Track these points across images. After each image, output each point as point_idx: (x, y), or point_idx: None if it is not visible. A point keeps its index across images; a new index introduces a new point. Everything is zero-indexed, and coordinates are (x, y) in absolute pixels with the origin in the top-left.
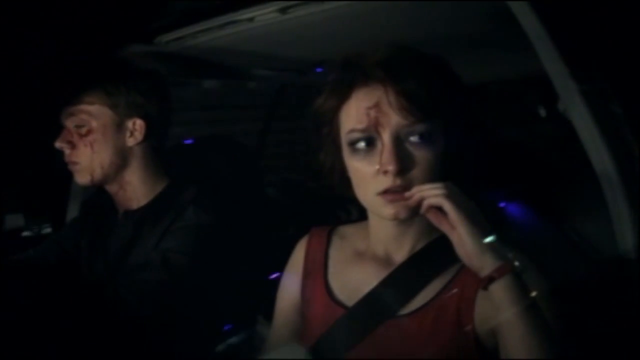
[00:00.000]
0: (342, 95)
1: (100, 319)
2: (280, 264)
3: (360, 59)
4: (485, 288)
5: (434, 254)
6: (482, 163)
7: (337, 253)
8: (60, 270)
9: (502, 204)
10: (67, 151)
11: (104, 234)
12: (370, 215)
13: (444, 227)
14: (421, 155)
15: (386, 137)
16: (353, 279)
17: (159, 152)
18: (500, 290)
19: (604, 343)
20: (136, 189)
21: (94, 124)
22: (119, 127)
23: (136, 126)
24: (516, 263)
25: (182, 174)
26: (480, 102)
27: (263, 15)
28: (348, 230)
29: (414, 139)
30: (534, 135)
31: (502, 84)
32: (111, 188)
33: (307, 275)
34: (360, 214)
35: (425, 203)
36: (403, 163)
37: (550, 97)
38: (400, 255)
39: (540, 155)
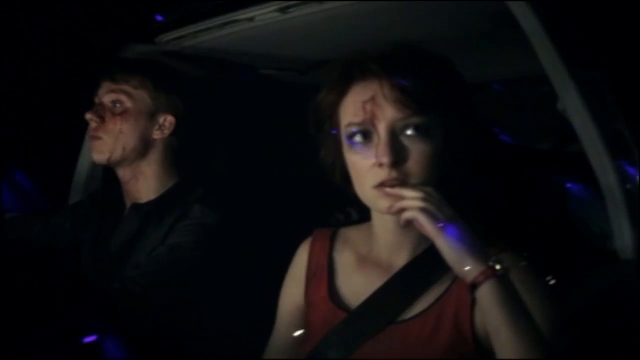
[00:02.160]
0: (341, 90)
1: (102, 311)
2: (281, 265)
3: (359, 56)
4: (472, 294)
5: (434, 259)
6: (481, 158)
7: (341, 256)
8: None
9: (499, 200)
10: (93, 124)
11: (110, 226)
12: (373, 216)
13: (429, 236)
14: (417, 148)
15: (381, 130)
16: (356, 282)
17: (177, 152)
18: (485, 295)
19: (603, 343)
20: (148, 182)
21: (131, 105)
22: (152, 117)
23: (166, 122)
24: (498, 266)
25: (191, 173)
26: (484, 101)
27: (263, 14)
28: (351, 233)
29: (409, 132)
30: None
31: (502, 83)
32: (124, 175)
33: (310, 278)
34: (360, 216)
35: (402, 218)
36: (398, 155)
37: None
38: (402, 259)
39: (538, 155)
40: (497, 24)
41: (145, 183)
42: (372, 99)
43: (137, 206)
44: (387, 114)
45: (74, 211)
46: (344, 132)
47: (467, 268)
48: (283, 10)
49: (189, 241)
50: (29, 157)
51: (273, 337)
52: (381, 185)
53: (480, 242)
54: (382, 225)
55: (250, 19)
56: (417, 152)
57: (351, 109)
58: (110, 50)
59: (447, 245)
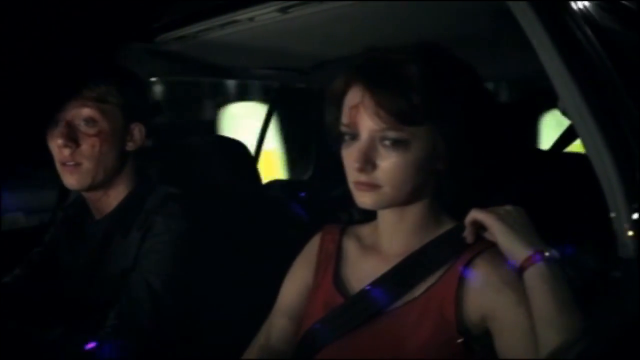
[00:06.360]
0: (343, 88)
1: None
2: (279, 266)
3: (361, 57)
4: (522, 271)
5: (430, 254)
6: (482, 166)
7: (349, 246)
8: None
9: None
10: (67, 151)
11: (79, 241)
12: (378, 211)
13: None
14: (390, 158)
15: (362, 136)
16: (359, 271)
17: (144, 157)
18: (530, 278)
19: (603, 343)
20: (119, 194)
21: (105, 124)
22: (124, 130)
23: (136, 131)
24: (547, 253)
25: (169, 175)
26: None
27: (263, 15)
28: (359, 229)
29: (386, 142)
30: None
31: (503, 84)
32: (95, 195)
33: (320, 262)
34: (364, 215)
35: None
36: (369, 162)
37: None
38: (402, 251)
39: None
40: (497, 24)
41: (115, 197)
42: (356, 107)
43: (99, 221)
44: (367, 124)
45: (51, 238)
46: (341, 128)
47: (516, 253)
48: (283, 10)
49: (162, 264)
50: (28, 157)
51: (271, 316)
52: (355, 183)
53: (533, 233)
54: (383, 220)
55: (251, 19)
56: (389, 161)
57: (346, 110)
58: (109, 51)
59: (501, 234)
